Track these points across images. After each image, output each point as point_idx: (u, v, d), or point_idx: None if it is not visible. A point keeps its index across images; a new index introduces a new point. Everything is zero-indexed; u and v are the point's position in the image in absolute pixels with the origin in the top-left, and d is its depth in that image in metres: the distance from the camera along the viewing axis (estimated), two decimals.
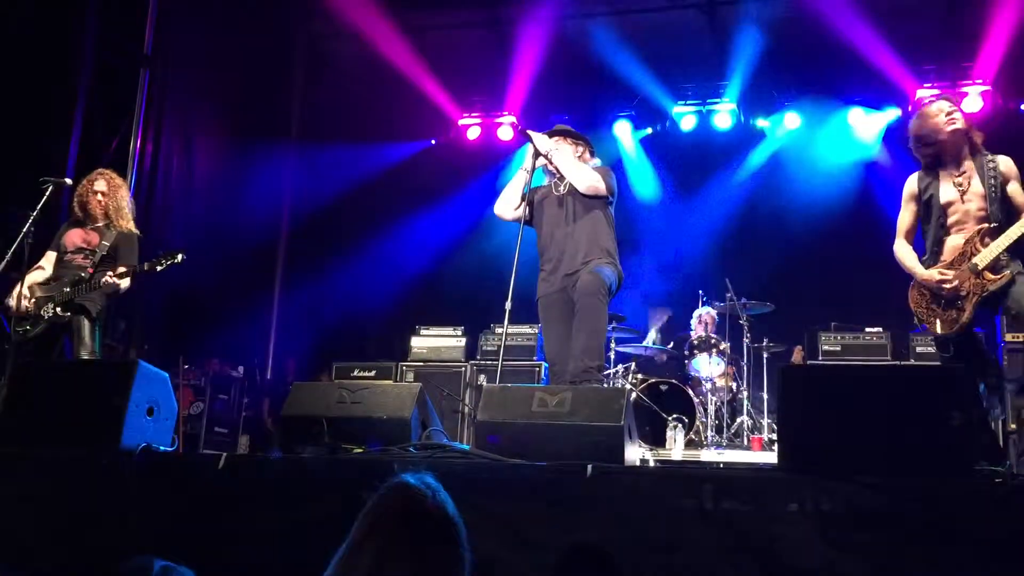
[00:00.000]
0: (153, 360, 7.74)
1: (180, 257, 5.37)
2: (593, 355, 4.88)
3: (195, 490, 3.49)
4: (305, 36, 11.22)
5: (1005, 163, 4.62)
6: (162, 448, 3.78)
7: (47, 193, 5.47)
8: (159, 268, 5.40)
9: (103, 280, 5.33)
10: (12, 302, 5.38)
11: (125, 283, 5.42)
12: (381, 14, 9.92)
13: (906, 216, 4.85)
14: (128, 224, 5.68)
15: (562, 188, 5.29)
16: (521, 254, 5.03)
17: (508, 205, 5.38)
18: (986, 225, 4.52)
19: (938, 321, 4.59)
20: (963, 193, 4.59)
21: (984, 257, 4.46)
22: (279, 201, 11.33)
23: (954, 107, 4.70)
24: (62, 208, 6.96)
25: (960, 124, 4.64)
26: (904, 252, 4.83)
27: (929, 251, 4.74)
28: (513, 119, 10.74)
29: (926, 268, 4.68)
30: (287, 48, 11.06)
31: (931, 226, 4.71)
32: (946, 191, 4.64)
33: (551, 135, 5.41)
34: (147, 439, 3.70)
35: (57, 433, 3.76)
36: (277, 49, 10.70)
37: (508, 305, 5.00)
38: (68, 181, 5.54)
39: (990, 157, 4.64)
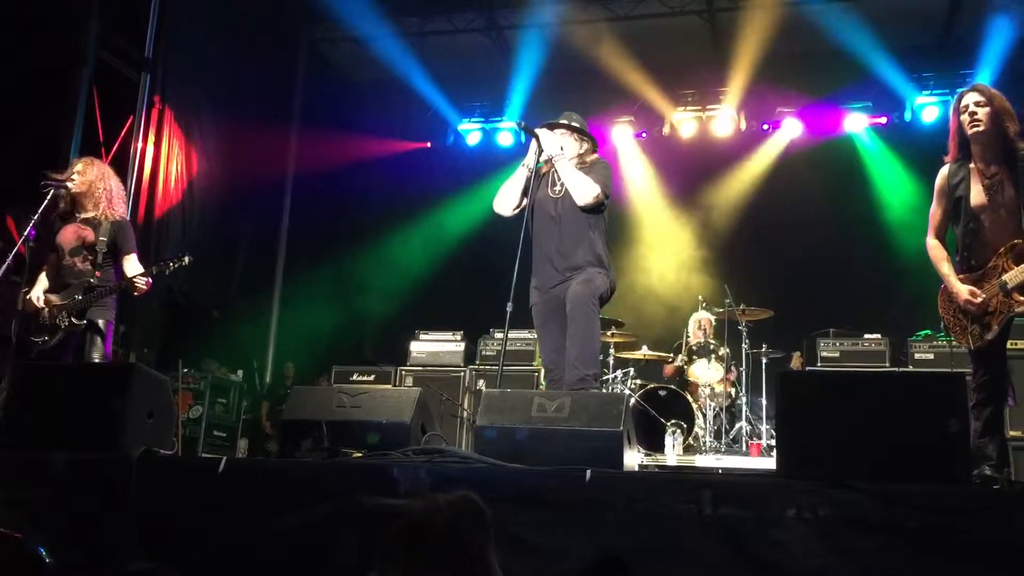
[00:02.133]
0: (152, 364, 7.80)
1: (187, 260, 5.40)
2: (589, 363, 4.87)
3: (195, 493, 3.50)
4: (306, 40, 11.24)
5: None
6: (161, 451, 3.78)
7: (48, 196, 5.46)
8: (167, 272, 5.45)
9: (133, 288, 5.31)
10: (26, 305, 5.37)
11: (147, 278, 5.39)
12: (381, 19, 9.94)
13: (937, 212, 4.51)
14: (116, 211, 5.57)
15: (557, 192, 5.21)
16: (523, 254, 4.99)
17: (508, 202, 5.29)
18: (1018, 241, 4.22)
19: (967, 335, 4.36)
20: (992, 198, 4.29)
21: (1014, 277, 4.19)
22: (279, 204, 11.34)
23: (982, 103, 4.33)
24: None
25: (983, 127, 4.29)
26: (937, 254, 4.50)
27: (960, 254, 4.44)
28: (516, 120, 10.77)
29: (957, 273, 4.41)
30: (288, 52, 11.08)
31: (960, 228, 4.41)
32: (976, 193, 4.33)
33: (553, 127, 5.30)
34: (146, 442, 3.70)
35: (57, 436, 3.76)
36: (278, 53, 10.72)
37: (509, 307, 4.96)
38: (69, 185, 5.51)
39: None
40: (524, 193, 5.24)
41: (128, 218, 5.83)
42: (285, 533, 3.29)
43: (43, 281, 5.54)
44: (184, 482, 3.57)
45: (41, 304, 5.39)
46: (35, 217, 5.39)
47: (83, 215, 5.53)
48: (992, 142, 4.34)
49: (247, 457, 8.25)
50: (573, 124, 5.33)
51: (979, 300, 4.28)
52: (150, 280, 5.37)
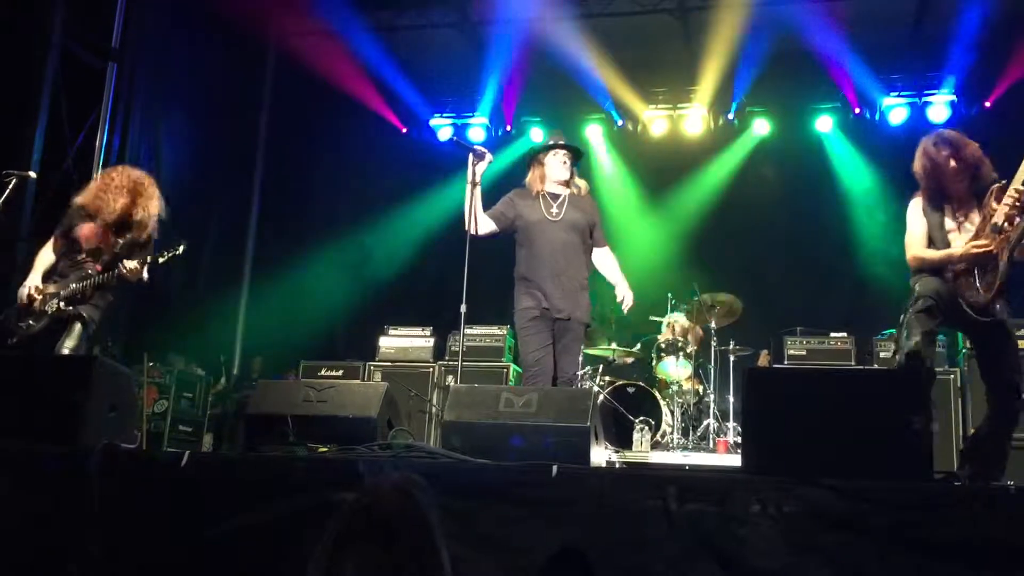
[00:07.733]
0: (117, 357, 7.70)
1: (182, 248, 5.29)
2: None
3: (158, 488, 3.45)
4: (275, 32, 11.14)
5: None
6: (124, 445, 3.73)
7: (10, 186, 5.36)
8: (161, 261, 5.27)
9: (126, 272, 5.14)
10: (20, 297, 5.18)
11: (144, 273, 5.23)
12: (352, 12, 9.89)
13: (917, 230, 4.57)
14: (149, 231, 5.37)
15: (554, 215, 5.37)
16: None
17: (478, 224, 5.41)
18: (996, 186, 4.31)
19: (973, 289, 4.29)
20: (960, 226, 4.47)
21: (1000, 214, 4.21)
22: (248, 197, 11.26)
23: (959, 155, 4.46)
24: (24, 202, 6.88)
25: (963, 179, 4.45)
26: (916, 253, 4.54)
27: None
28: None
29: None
30: (257, 44, 10.97)
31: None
32: (947, 221, 4.52)
33: (557, 147, 5.52)
34: (108, 436, 3.65)
35: (16, 429, 3.69)
36: (247, 45, 10.62)
37: (463, 308, 5.20)
38: (32, 175, 5.43)
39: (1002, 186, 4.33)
40: (482, 208, 5.42)
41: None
42: (249, 529, 3.26)
43: (39, 269, 5.30)
44: (146, 476, 3.52)
45: (35, 294, 5.16)
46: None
47: (126, 234, 5.31)
48: (967, 187, 4.49)
49: (212, 451, 8.17)
50: (575, 145, 5.68)
51: (983, 243, 4.25)
52: (143, 272, 5.20)
